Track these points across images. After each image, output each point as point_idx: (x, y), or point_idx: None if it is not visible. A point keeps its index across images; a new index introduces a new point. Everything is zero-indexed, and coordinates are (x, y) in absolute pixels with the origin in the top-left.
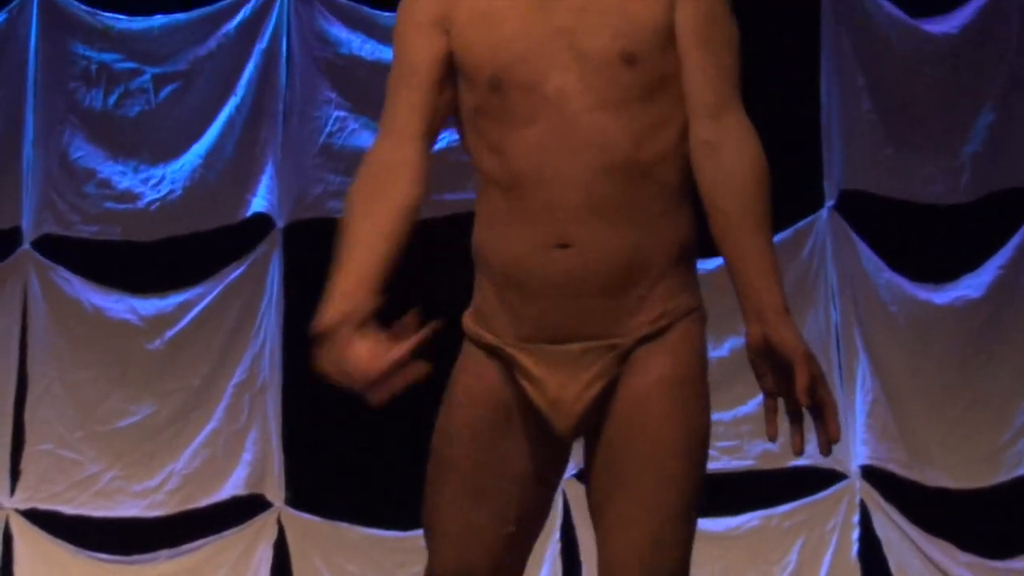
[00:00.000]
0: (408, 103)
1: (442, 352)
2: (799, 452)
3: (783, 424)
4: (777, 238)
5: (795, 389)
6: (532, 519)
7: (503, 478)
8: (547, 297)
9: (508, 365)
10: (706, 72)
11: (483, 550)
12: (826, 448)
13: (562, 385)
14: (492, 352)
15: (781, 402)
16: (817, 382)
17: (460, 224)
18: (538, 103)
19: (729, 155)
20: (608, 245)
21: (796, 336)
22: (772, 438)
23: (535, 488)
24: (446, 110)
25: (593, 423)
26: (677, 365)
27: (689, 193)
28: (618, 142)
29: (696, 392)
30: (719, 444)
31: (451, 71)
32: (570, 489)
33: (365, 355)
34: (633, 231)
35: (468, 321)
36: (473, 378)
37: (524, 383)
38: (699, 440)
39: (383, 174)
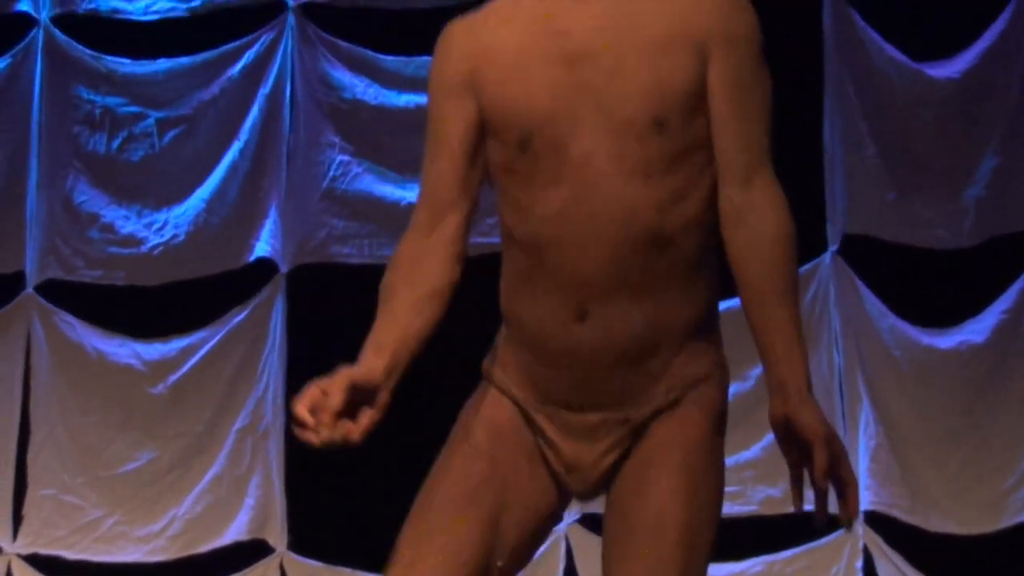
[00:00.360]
0: (443, 175)
1: (450, 393)
2: (821, 525)
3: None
4: None
5: (814, 470)
6: (528, 553)
7: (517, 508)
8: (565, 366)
9: (528, 419)
10: (738, 138)
11: None
12: (847, 523)
13: (577, 452)
14: (516, 403)
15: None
16: (837, 463)
17: (479, 266)
18: (563, 165)
19: (757, 223)
20: (628, 318)
21: (816, 418)
22: (798, 508)
23: (541, 524)
24: (483, 174)
25: (607, 486)
26: (687, 429)
27: (711, 258)
28: (643, 212)
29: (705, 455)
30: None
31: (483, 133)
32: (573, 535)
33: (326, 400)
34: (653, 303)
35: (494, 369)
36: (500, 412)
37: (541, 443)
38: (707, 502)
39: (422, 256)
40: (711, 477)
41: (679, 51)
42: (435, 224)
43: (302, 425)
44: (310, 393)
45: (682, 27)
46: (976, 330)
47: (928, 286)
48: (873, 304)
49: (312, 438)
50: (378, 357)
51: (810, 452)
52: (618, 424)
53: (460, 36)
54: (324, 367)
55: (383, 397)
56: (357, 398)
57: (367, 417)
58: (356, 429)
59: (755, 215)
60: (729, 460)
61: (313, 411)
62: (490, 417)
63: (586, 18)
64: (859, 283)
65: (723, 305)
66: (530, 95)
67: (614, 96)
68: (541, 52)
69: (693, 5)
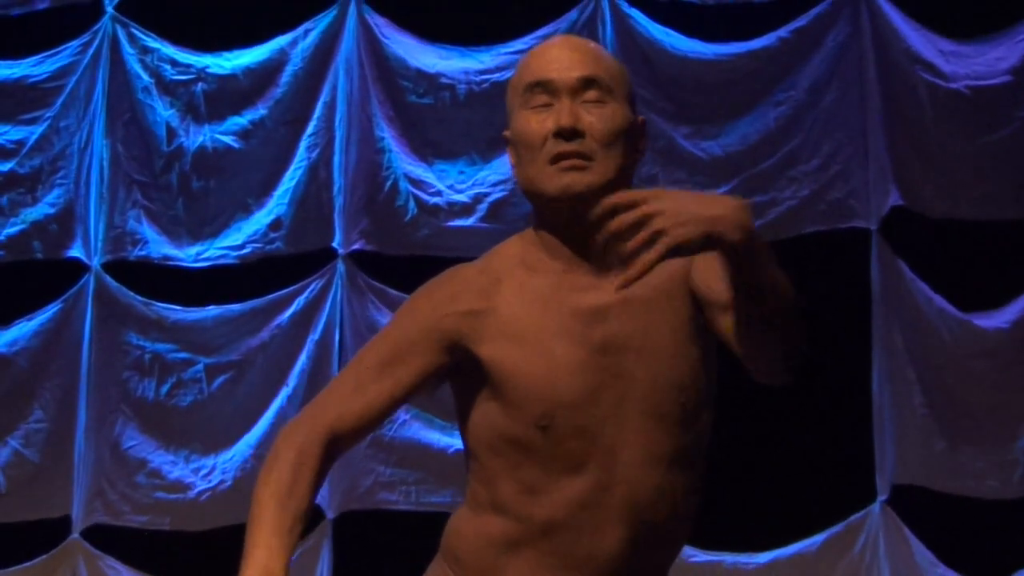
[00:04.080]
0: (374, 400)
1: None
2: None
3: None
4: (829, 533)
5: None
6: None
7: None
8: None
9: None
10: None
11: None
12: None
13: None
14: None
15: None
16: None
17: None
18: (590, 452)
19: None
20: None
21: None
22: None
23: None
24: (384, 421)
25: None
26: None
27: None
28: (670, 500)
29: None
30: None
31: (425, 387)
32: None
33: None
34: None
35: None
36: None
37: None
38: None
39: (299, 470)
40: None
41: (684, 306)
42: (315, 445)
43: None
44: None
45: (681, 277)
46: None
47: (978, 537)
48: (923, 555)
49: None
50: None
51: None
52: None
53: (472, 288)
54: None
55: None
56: None
57: None
58: None
59: None
60: None
61: None
62: None
63: (607, 292)
64: (909, 534)
65: (765, 559)
66: (554, 375)
67: (647, 385)
68: (565, 330)
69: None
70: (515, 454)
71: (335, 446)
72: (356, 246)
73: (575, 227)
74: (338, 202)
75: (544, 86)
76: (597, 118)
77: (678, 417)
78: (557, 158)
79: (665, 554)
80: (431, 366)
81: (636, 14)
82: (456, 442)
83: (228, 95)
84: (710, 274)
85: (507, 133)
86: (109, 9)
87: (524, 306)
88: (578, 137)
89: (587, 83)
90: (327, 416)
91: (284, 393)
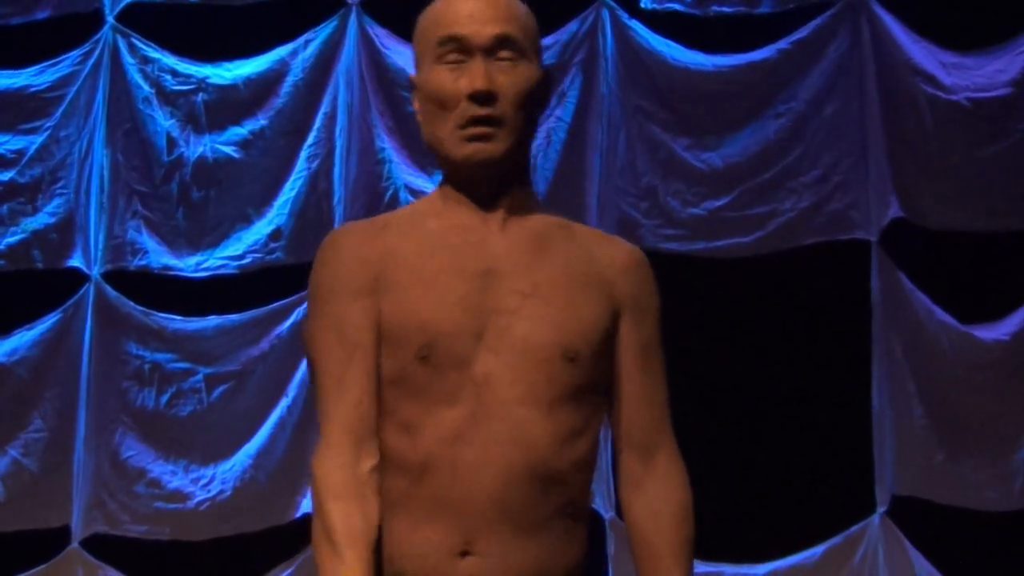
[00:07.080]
0: (365, 386)
1: None
2: None
3: None
4: (828, 544)
5: None
6: None
7: None
8: None
9: None
10: (643, 404)
11: None
12: None
13: None
14: None
15: None
16: None
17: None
18: (463, 383)
19: (656, 493)
20: (512, 558)
21: None
22: None
23: None
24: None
25: None
26: None
27: (588, 510)
28: (541, 444)
29: None
30: None
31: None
32: None
33: None
34: (538, 544)
35: None
36: None
37: None
38: None
39: (360, 506)
40: None
41: (593, 291)
42: (359, 448)
43: None
44: None
45: (596, 273)
46: None
47: (978, 548)
48: (923, 567)
49: None
50: None
51: None
52: None
53: (358, 239)
54: None
55: None
56: None
57: None
58: None
59: (656, 485)
60: None
61: None
62: None
63: (499, 238)
64: (908, 545)
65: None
66: (438, 305)
67: (525, 318)
68: (451, 264)
69: (607, 260)
70: (395, 394)
71: (373, 451)
72: None
73: (476, 188)
74: (338, 212)
75: (458, 42)
76: (510, 79)
77: (562, 363)
78: (468, 123)
79: (559, 499)
80: (375, 311)
81: (637, 25)
82: None
83: (228, 105)
84: (634, 359)
85: (415, 78)
86: (110, 19)
87: (412, 247)
88: (492, 100)
89: (501, 42)
90: (352, 435)
91: (284, 403)
